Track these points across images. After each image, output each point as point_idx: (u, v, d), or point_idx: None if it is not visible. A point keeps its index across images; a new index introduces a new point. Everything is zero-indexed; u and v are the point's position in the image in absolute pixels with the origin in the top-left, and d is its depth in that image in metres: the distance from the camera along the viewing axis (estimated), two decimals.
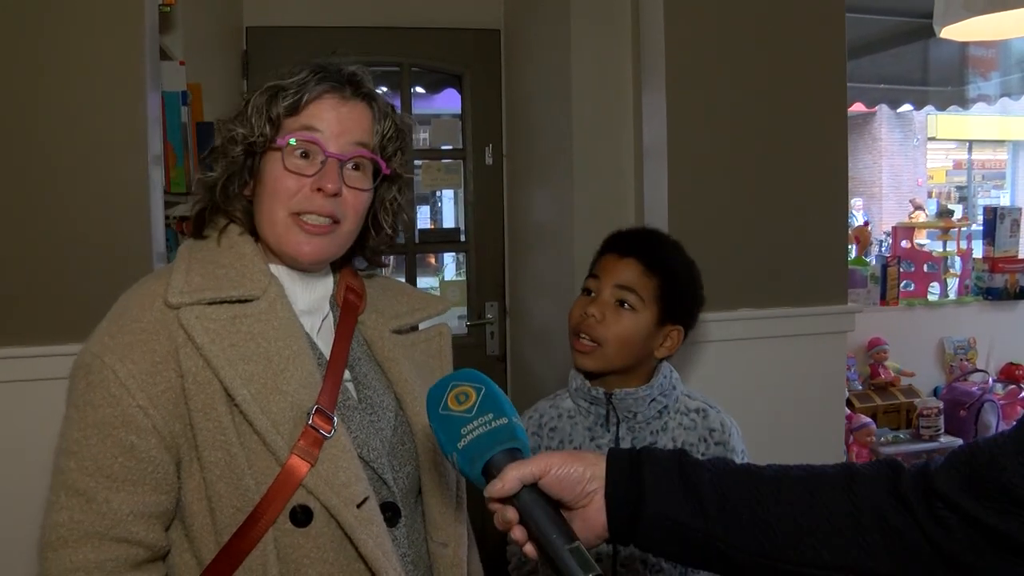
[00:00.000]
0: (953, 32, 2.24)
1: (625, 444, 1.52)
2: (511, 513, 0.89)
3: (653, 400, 1.52)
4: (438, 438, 0.94)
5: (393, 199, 1.24)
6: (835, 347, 2.32)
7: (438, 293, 3.75)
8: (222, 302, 1.09)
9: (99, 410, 1.04)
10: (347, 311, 1.22)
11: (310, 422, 1.07)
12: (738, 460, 1.53)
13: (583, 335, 1.51)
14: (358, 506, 1.07)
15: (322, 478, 1.06)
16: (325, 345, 1.19)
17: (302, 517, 1.06)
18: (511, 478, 0.87)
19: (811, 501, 0.89)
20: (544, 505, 0.88)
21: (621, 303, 1.50)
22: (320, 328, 1.21)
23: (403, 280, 3.51)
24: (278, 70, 1.16)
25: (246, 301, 1.11)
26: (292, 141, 1.11)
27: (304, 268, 1.19)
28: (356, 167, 1.15)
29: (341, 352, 1.17)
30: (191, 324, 1.06)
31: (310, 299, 1.20)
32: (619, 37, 2.57)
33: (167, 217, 2.18)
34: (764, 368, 2.23)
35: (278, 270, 1.17)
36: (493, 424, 0.91)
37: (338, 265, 1.26)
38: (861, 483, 0.89)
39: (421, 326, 1.35)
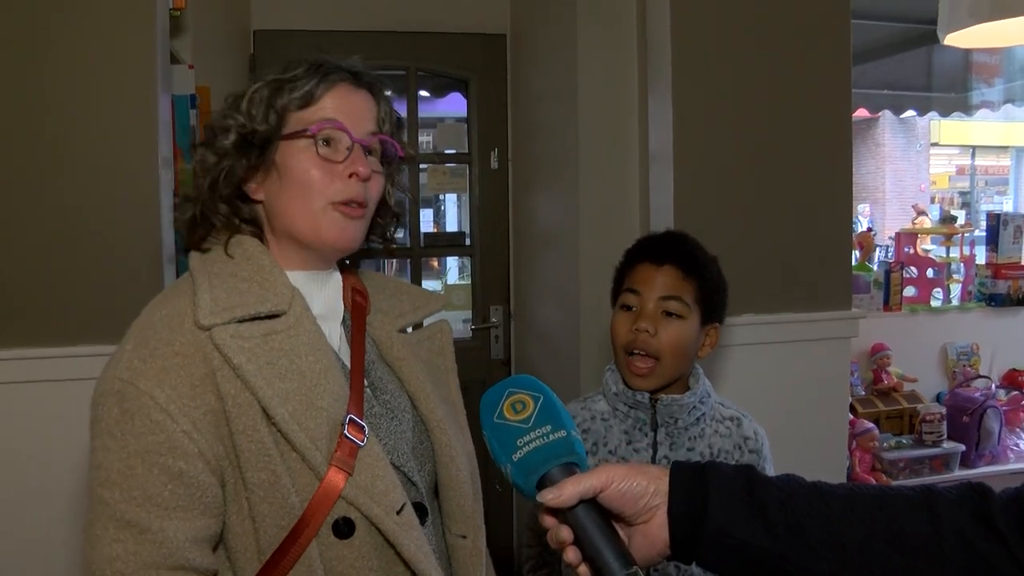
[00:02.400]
0: (957, 39, 2.24)
1: (663, 450, 1.52)
2: (565, 532, 0.84)
3: (694, 407, 1.52)
4: (491, 447, 0.90)
5: (396, 181, 1.27)
6: (839, 352, 2.33)
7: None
8: (252, 319, 1.07)
9: (141, 438, 1.00)
10: (357, 314, 1.22)
11: (345, 432, 1.06)
12: (769, 469, 1.55)
13: (637, 351, 1.49)
14: (398, 513, 1.08)
15: (361, 488, 1.06)
16: (344, 352, 1.19)
17: (345, 529, 1.05)
18: (569, 490, 0.83)
19: (888, 523, 0.85)
20: (601, 524, 0.83)
21: (667, 313, 1.49)
22: (340, 334, 1.21)
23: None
24: (268, 70, 1.16)
25: (274, 316, 1.09)
26: (321, 130, 1.11)
27: (328, 261, 1.20)
28: (370, 152, 1.17)
29: (360, 358, 1.17)
30: (227, 345, 1.03)
31: (324, 301, 1.20)
32: (625, 42, 2.58)
33: (175, 220, 2.19)
34: (768, 373, 2.24)
35: (294, 277, 1.16)
36: (551, 437, 0.86)
37: (340, 265, 1.26)
38: (944, 506, 0.85)
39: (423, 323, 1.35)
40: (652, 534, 0.88)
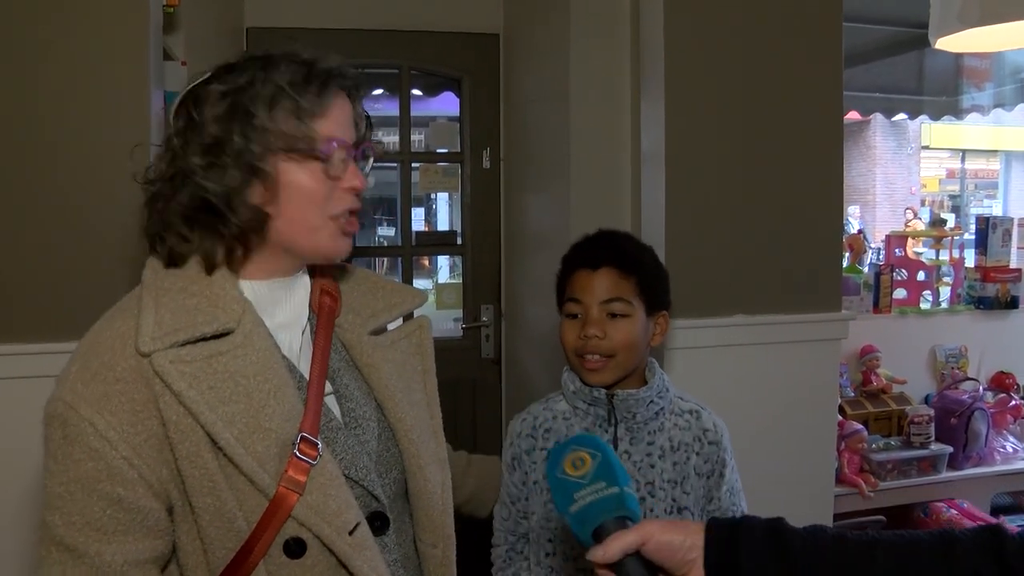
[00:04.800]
0: (948, 43, 2.25)
1: (623, 444, 1.53)
2: None
3: (651, 401, 1.53)
4: (554, 498, 1.00)
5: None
6: (828, 354, 2.34)
7: (433, 295, 3.76)
8: (196, 341, 1.03)
9: (80, 465, 0.99)
10: (324, 318, 1.19)
11: (296, 451, 1.04)
12: (729, 460, 1.56)
13: (589, 355, 1.51)
14: (350, 533, 1.06)
15: (312, 508, 1.04)
16: (305, 362, 1.16)
17: (296, 549, 1.05)
18: (614, 547, 0.93)
19: (908, 567, 0.90)
20: (643, 574, 0.93)
21: (612, 315, 1.50)
22: (300, 343, 1.18)
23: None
24: (262, 69, 1.09)
25: (221, 336, 1.05)
26: (332, 152, 1.08)
27: (301, 267, 1.17)
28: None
29: (321, 369, 1.14)
30: (166, 371, 1.00)
31: (289, 309, 1.16)
32: (618, 43, 2.58)
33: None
34: (758, 374, 2.25)
35: (254, 287, 1.12)
36: (604, 492, 0.96)
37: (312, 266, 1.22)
38: (961, 550, 0.89)
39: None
40: None
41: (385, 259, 6.24)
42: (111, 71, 1.81)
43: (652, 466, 1.52)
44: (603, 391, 1.53)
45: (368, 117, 1.21)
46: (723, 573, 0.94)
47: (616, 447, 1.53)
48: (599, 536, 0.94)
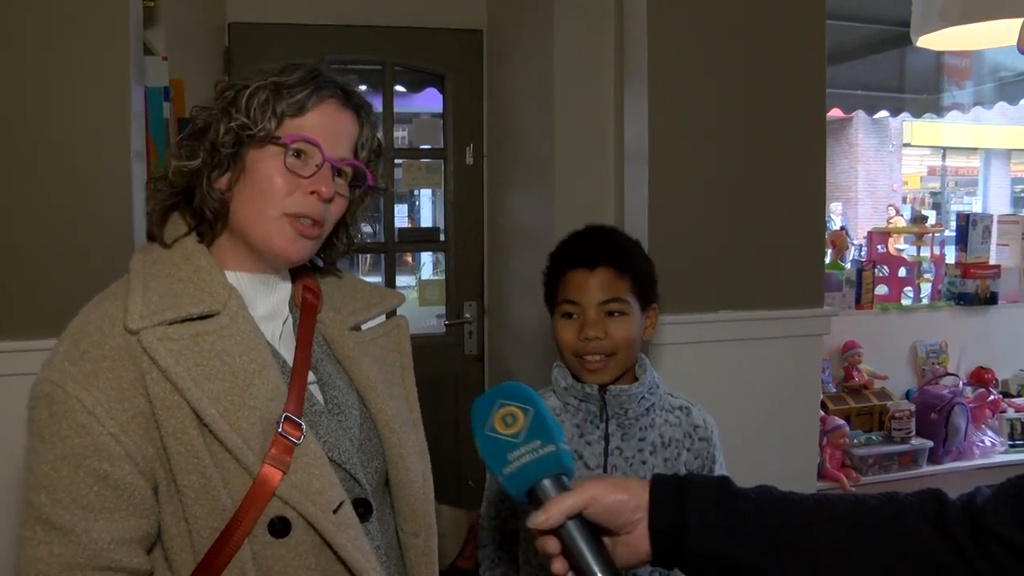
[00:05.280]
0: (929, 41, 2.27)
1: (615, 441, 1.54)
2: (552, 544, 0.89)
3: (643, 397, 1.54)
4: (484, 458, 0.93)
5: (364, 208, 1.27)
6: (811, 350, 2.35)
7: (416, 292, 3.76)
8: (183, 320, 1.06)
9: (67, 441, 1.00)
10: (306, 312, 1.22)
11: (280, 430, 1.06)
12: (719, 457, 1.57)
13: (589, 356, 1.51)
14: (334, 512, 1.07)
15: (296, 487, 1.05)
16: (287, 350, 1.18)
17: (280, 528, 1.05)
18: (556, 511, 0.87)
19: (856, 532, 0.89)
20: (588, 538, 0.88)
21: (610, 314, 1.51)
22: (281, 333, 1.20)
23: (380, 280, 3.51)
24: (264, 67, 1.14)
25: (207, 317, 1.08)
26: (293, 142, 1.10)
27: (276, 269, 1.19)
28: (340, 174, 1.16)
29: (304, 356, 1.16)
30: (153, 348, 1.02)
31: (271, 304, 1.19)
32: (602, 40, 2.59)
33: (148, 201, 2.17)
34: (741, 369, 2.26)
35: (238, 277, 1.15)
36: (540, 452, 0.90)
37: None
38: (907, 515, 0.89)
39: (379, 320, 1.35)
40: (634, 544, 0.92)
41: (368, 256, 6.19)
42: (90, 66, 1.79)
43: (643, 462, 1.53)
44: (595, 387, 1.53)
45: (378, 148, 1.23)
46: (669, 534, 0.91)
47: (608, 443, 1.54)
48: (534, 496, 0.90)
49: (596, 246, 1.56)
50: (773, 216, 2.27)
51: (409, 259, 6.20)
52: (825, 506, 0.92)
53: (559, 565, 0.89)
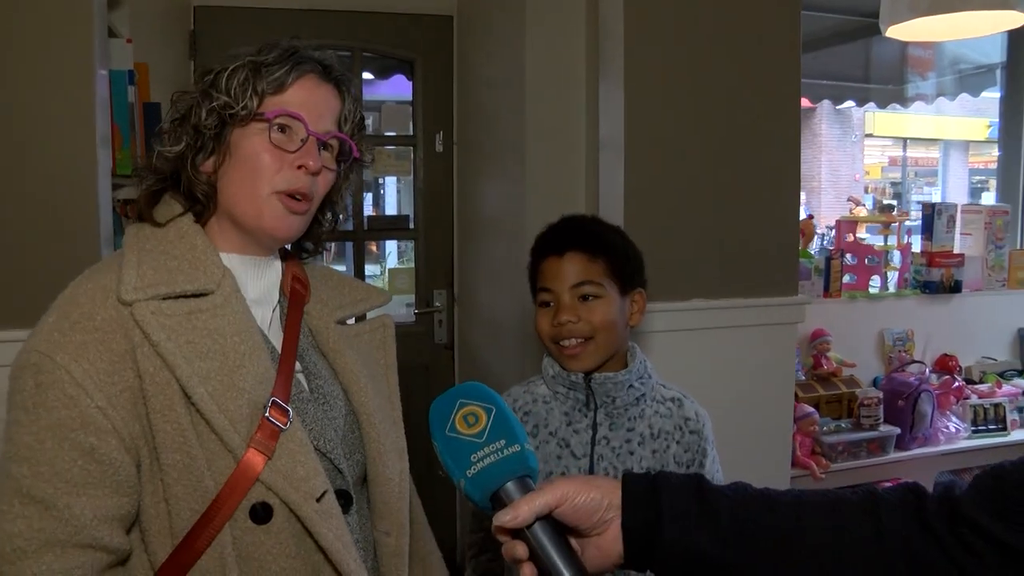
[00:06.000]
0: (898, 31, 2.29)
1: (603, 430, 1.53)
2: (520, 549, 0.84)
3: (631, 386, 1.53)
4: (443, 460, 0.88)
5: (348, 184, 1.27)
6: (785, 338, 2.36)
7: (384, 280, 3.73)
8: (177, 297, 1.05)
9: (53, 412, 0.98)
10: (294, 301, 1.21)
11: (267, 414, 1.05)
12: (711, 451, 1.56)
13: (566, 341, 1.50)
14: (318, 500, 1.06)
15: (280, 473, 1.04)
16: (276, 337, 1.18)
17: (262, 514, 1.04)
18: (524, 511, 0.83)
19: (833, 527, 0.88)
20: (556, 539, 0.84)
21: (583, 297, 1.50)
22: (271, 320, 1.19)
23: (345, 268, 3.48)
24: (238, 50, 1.13)
25: (201, 295, 1.07)
26: (276, 117, 1.10)
27: (268, 248, 1.18)
28: (326, 147, 1.16)
29: (292, 344, 1.16)
30: (146, 321, 1.01)
31: (261, 287, 1.18)
32: (574, 26, 2.57)
33: (113, 200, 2.13)
34: (716, 358, 2.26)
35: (230, 259, 1.14)
36: (505, 452, 0.86)
37: (284, 252, 1.26)
38: (885, 509, 0.87)
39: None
40: (605, 546, 0.89)
41: (332, 245, 6.11)
42: (53, 48, 1.75)
43: (631, 453, 1.52)
44: (580, 375, 1.52)
45: (361, 120, 1.23)
46: (643, 534, 0.88)
47: (595, 432, 1.53)
48: (498, 500, 0.85)
49: (566, 232, 1.56)
50: (748, 205, 2.28)
51: (374, 248, 6.16)
52: (802, 502, 0.90)
53: (528, 570, 0.84)
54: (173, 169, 1.13)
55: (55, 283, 1.10)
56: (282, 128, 1.11)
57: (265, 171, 1.10)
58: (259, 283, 1.18)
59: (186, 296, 1.06)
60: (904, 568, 0.85)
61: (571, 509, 0.86)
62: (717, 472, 1.58)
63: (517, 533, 0.85)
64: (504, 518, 0.83)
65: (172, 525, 1.03)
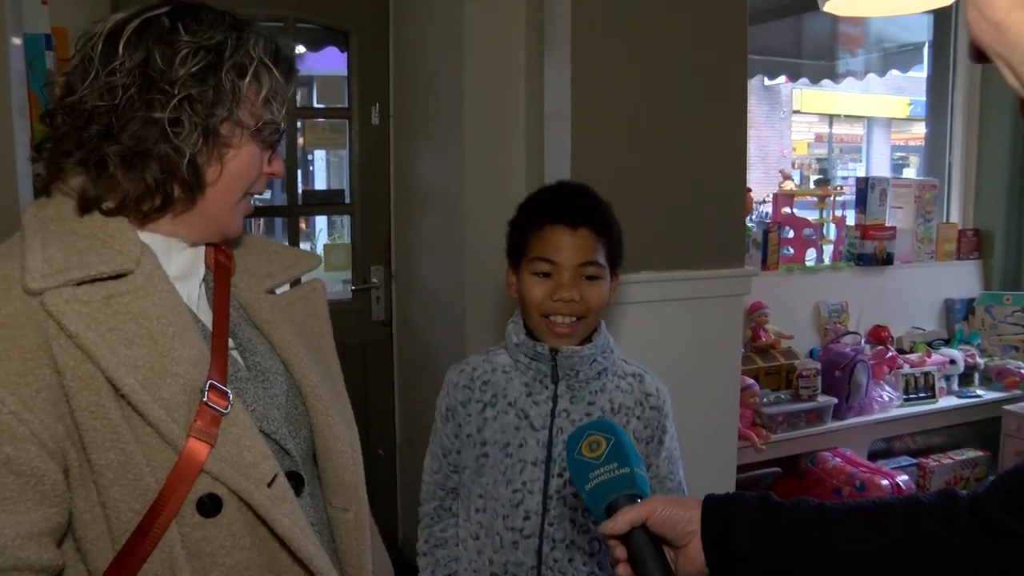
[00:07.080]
0: (835, 7, 2.29)
1: (564, 402, 1.50)
2: (620, 551, 1.02)
3: (595, 360, 1.50)
4: (572, 477, 1.09)
5: None
6: (732, 309, 2.37)
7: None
8: (93, 280, 0.94)
9: None
10: (220, 274, 1.13)
11: (205, 399, 0.96)
12: (668, 426, 1.55)
13: (560, 317, 1.46)
14: (268, 485, 0.99)
15: (226, 460, 0.96)
16: (205, 314, 1.09)
17: (211, 506, 0.96)
18: (622, 520, 1.00)
19: (881, 530, 0.99)
20: (651, 547, 1.01)
21: (587, 278, 1.46)
22: (198, 296, 1.11)
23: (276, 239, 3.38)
24: (233, 30, 1.03)
25: (119, 276, 0.96)
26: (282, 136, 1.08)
27: (205, 240, 1.11)
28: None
29: (222, 319, 1.08)
30: (61, 311, 0.90)
31: (183, 262, 1.08)
32: None
33: (33, 174, 2.01)
34: (665, 330, 2.26)
35: (151, 237, 1.03)
36: (616, 472, 1.04)
37: None
38: (924, 512, 0.99)
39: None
40: (692, 556, 1.04)
41: (261, 220, 5.92)
42: None
43: None
44: (546, 347, 1.48)
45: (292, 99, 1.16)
46: (720, 545, 1.02)
47: (556, 404, 1.50)
48: (611, 512, 1.02)
49: (581, 205, 1.50)
50: (695, 176, 2.27)
51: (303, 224, 6.03)
52: (852, 510, 1.03)
53: (623, 570, 1.02)
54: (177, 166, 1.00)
55: None
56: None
57: (248, 181, 1.07)
58: (182, 256, 1.08)
59: (102, 279, 0.95)
60: (940, 563, 0.96)
61: (659, 520, 1.02)
62: (675, 449, 1.56)
63: (620, 539, 1.01)
64: (605, 527, 1.02)
65: (111, 529, 0.94)
